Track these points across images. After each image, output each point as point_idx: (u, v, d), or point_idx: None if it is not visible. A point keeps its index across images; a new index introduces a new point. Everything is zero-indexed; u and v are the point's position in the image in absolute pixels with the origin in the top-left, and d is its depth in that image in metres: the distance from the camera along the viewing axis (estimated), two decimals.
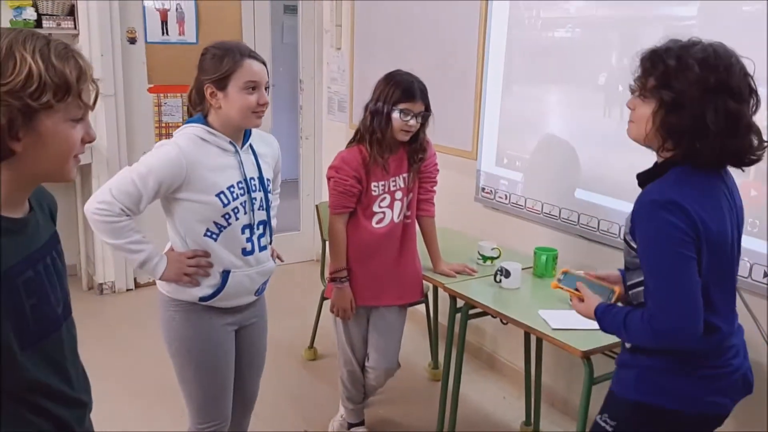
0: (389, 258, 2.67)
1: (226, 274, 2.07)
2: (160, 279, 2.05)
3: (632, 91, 1.64)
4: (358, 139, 2.61)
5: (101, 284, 4.42)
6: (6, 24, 3.95)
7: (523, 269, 2.75)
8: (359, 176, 2.55)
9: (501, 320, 2.58)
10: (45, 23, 4.03)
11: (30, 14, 4.00)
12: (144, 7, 4.25)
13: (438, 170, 2.81)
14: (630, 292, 1.68)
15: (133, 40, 4.25)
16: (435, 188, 2.80)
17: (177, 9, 4.34)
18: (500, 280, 2.70)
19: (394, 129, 2.52)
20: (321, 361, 3.62)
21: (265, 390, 3.20)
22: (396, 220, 2.65)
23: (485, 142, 3.45)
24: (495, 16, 3.31)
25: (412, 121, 2.51)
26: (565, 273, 1.87)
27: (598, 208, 2.89)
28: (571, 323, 2.26)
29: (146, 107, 4.37)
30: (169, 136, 4.60)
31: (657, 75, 1.55)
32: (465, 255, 3.03)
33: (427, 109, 2.56)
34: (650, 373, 1.64)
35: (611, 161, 2.81)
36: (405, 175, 2.64)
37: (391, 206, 2.63)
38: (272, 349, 3.62)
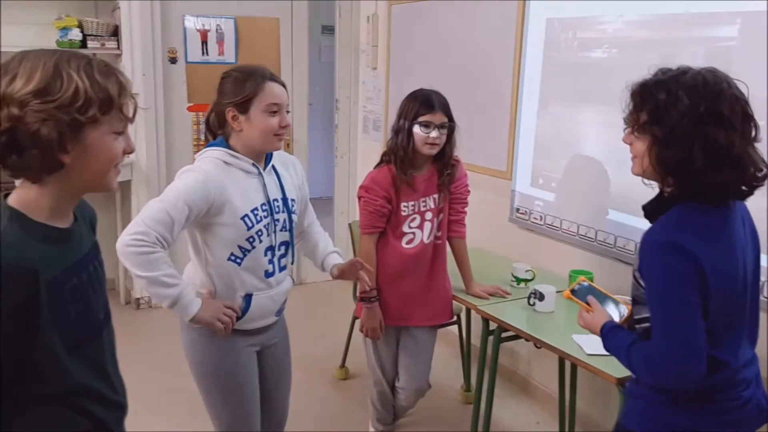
0: (419, 279, 2.66)
1: (248, 298, 2.07)
2: (191, 320, 1.98)
3: (626, 125, 1.62)
4: (386, 159, 2.61)
5: (138, 299, 4.48)
6: (52, 44, 4.07)
7: (557, 292, 2.70)
8: (389, 196, 2.55)
9: (535, 344, 2.55)
10: (90, 43, 4.15)
11: (75, 35, 4.12)
12: (185, 28, 4.34)
13: (469, 191, 2.79)
14: (637, 326, 1.64)
15: (173, 60, 4.34)
16: (466, 209, 2.79)
17: (217, 29, 4.43)
18: (534, 303, 2.66)
19: (418, 144, 2.51)
20: (352, 381, 3.61)
21: (296, 410, 3.20)
22: (426, 240, 2.64)
23: (520, 162, 3.43)
24: (531, 35, 3.29)
25: (434, 133, 2.49)
26: (580, 283, 1.85)
27: (635, 231, 2.83)
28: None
29: (185, 125, 4.45)
30: None
31: (648, 110, 1.53)
32: (498, 276, 3.00)
33: (450, 120, 2.54)
34: (657, 405, 1.60)
35: (648, 182, 2.76)
36: (435, 195, 2.63)
37: (421, 227, 2.63)
38: (303, 368, 3.64)
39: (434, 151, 2.54)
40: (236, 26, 4.47)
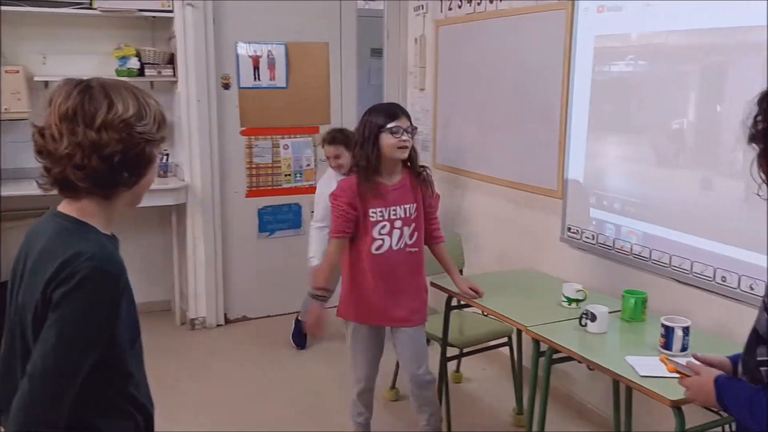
0: (388, 283, 2.75)
1: None
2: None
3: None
4: (353, 170, 2.76)
5: (193, 320, 4.58)
6: (112, 73, 4.24)
7: (610, 313, 2.65)
8: (353, 203, 2.68)
9: (587, 366, 2.50)
10: (147, 71, 4.30)
11: (134, 63, 4.28)
12: (237, 55, 4.46)
13: (439, 196, 2.94)
14: (763, 369, 1.43)
15: (227, 86, 4.46)
16: (437, 214, 2.92)
17: (268, 55, 4.53)
18: (586, 324, 2.62)
19: (389, 149, 2.64)
20: (403, 402, 3.59)
21: (347, 429, 3.21)
22: (395, 247, 2.74)
23: (571, 180, 3.39)
24: (579, 52, 3.27)
25: (405, 136, 2.65)
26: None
27: (692, 249, 2.77)
28: (661, 370, 2.15)
29: (238, 149, 4.55)
30: (258, 177, 4.78)
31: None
32: (549, 297, 2.96)
33: (412, 123, 2.71)
34: None
35: (705, 201, 2.71)
36: (407, 205, 2.75)
37: (390, 233, 2.73)
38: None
39: (405, 154, 2.69)
40: (287, 52, 4.57)
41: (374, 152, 2.65)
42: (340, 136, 3.83)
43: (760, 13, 2.40)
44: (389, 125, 2.64)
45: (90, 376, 1.26)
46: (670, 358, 1.74)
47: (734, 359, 1.61)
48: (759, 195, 1.41)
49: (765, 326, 1.43)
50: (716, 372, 1.54)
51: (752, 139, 1.39)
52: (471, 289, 2.93)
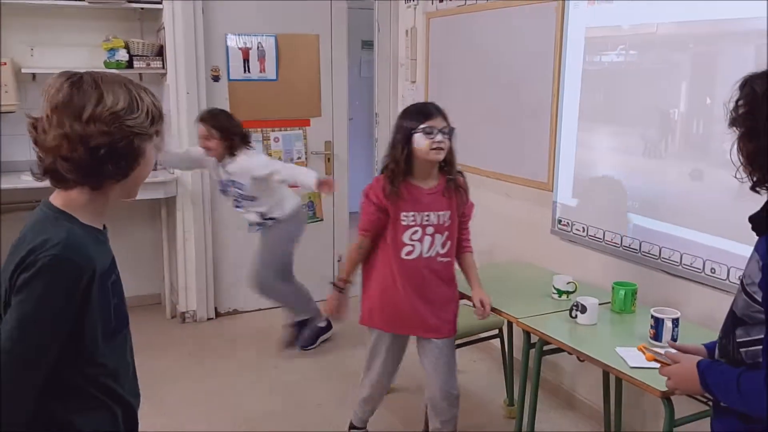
0: (416, 291, 2.65)
1: None
2: None
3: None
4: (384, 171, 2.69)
5: (183, 313, 4.56)
6: (101, 65, 4.21)
7: (600, 304, 2.66)
8: (380, 203, 2.60)
9: (578, 357, 2.51)
10: (136, 63, 4.26)
11: (122, 55, 4.24)
12: (227, 47, 4.43)
13: (473, 204, 2.81)
14: (743, 350, 1.45)
15: (216, 78, 4.43)
16: (469, 225, 2.82)
17: (258, 47, 4.51)
18: (576, 316, 2.63)
19: (423, 152, 2.52)
20: (396, 395, 3.59)
21: (340, 421, 3.22)
22: (425, 254, 2.64)
23: (562, 172, 3.40)
24: (570, 45, 3.27)
25: (439, 137, 2.50)
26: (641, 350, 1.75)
27: (680, 241, 2.78)
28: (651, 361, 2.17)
29: None
30: None
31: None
32: (539, 289, 2.97)
33: (449, 124, 2.57)
34: None
35: (695, 192, 2.72)
36: (441, 213, 2.63)
37: (421, 240, 2.62)
38: (346, 381, 3.65)
39: (441, 156, 2.54)
40: (277, 44, 4.54)
41: (404, 154, 2.53)
42: (207, 116, 3.72)
43: (751, 5, 2.41)
44: (422, 125, 2.50)
45: (60, 365, 1.28)
46: (648, 347, 1.74)
47: (710, 346, 1.63)
48: (736, 177, 1.44)
49: (741, 307, 1.45)
50: (696, 358, 1.55)
51: (733, 122, 1.43)
52: (481, 302, 2.72)
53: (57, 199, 1.36)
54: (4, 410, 1.22)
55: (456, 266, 2.78)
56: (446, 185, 2.64)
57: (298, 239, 3.99)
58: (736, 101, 1.42)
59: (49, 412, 1.31)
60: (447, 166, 2.63)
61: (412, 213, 2.60)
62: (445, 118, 2.56)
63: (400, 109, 4.85)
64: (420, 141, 2.51)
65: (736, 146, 1.43)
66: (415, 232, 2.61)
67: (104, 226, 1.41)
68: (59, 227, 1.30)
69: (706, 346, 1.65)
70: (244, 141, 3.72)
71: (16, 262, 1.26)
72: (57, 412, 1.32)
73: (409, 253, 2.63)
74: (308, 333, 4.08)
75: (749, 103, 1.39)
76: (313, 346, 4.09)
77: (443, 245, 2.66)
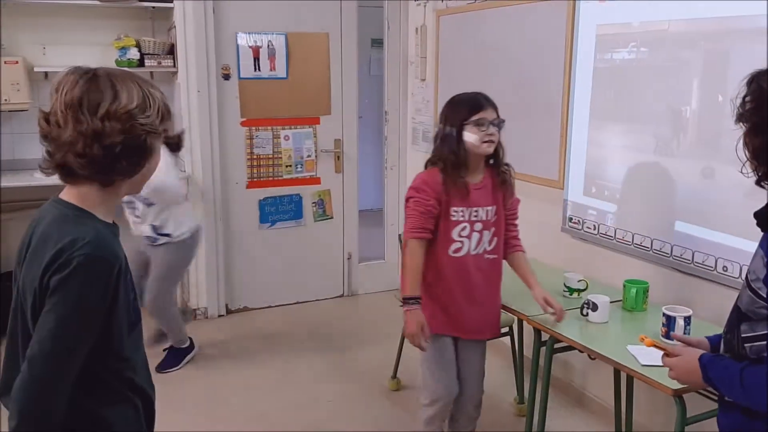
0: (464, 290, 2.57)
1: None
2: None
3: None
4: (433, 164, 2.55)
5: (194, 310, 4.58)
6: (112, 63, 4.23)
7: (611, 302, 2.66)
8: (439, 197, 2.48)
9: (589, 355, 2.50)
10: (147, 62, 4.28)
11: (134, 54, 4.26)
12: (237, 45, 4.44)
13: (519, 200, 2.72)
14: (747, 345, 1.47)
15: (227, 77, 4.44)
16: (517, 221, 2.72)
17: (268, 45, 4.51)
18: (587, 314, 2.62)
19: (473, 144, 2.44)
20: (405, 392, 3.60)
21: (349, 421, 3.23)
22: (473, 252, 2.56)
23: (572, 170, 3.39)
24: (581, 42, 3.26)
25: (492, 129, 2.44)
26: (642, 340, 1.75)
27: (693, 239, 2.76)
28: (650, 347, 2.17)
29: (239, 140, 4.54)
30: (259, 168, 4.74)
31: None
32: (551, 287, 2.94)
33: (499, 116, 2.50)
34: None
35: (706, 190, 2.70)
36: (489, 208, 2.56)
37: (469, 236, 2.54)
38: (356, 379, 3.67)
39: (491, 149, 2.47)
40: (287, 42, 4.55)
41: (460, 147, 2.44)
42: None
43: (762, 2, 2.39)
44: (474, 117, 2.42)
45: (88, 360, 1.29)
46: (646, 337, 1.75)
47: (713, 339, 1.66)
48: (742, 173, 1.47)
49: (746, 302, 1.46)
50: (698, 351, 1.57)
51: (740, 118, 1.45)
52: (546, 301, 2.61)
53: (71, 196, 1.35)
54: (43, 408, 1.24)
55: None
56: (493, 179, 2.57)
57: (191, 262, 3.86)
58: (743, 97, 1.44)
59: (82, 406, 1.32)
60: (494, 159, 2.56)
61: (461, 209, 2.51)
62: (495, 109, 2.49)
63: (410, 107, 4.91)
64: (471, 133, 2.44)
65: (742, 141, 1.45)
66: (464, 228, 2.52)
67: (113, 222, 1.42)
68: (84, 225, 1.30)
69: (709, 339, 1.68)
70: None
71: (46, 263, 1.26)
72: (87, 406, 1.34)
73: (457, 250, 2.54)
74: (172, 355, 3.83)
75: (756, 99, 1.42)
76: (178, 367, 3.80)
77: (490, 242, 2.58)
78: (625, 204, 3.11)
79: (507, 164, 2.61)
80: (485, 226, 2.57)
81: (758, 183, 1.45)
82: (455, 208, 2.51)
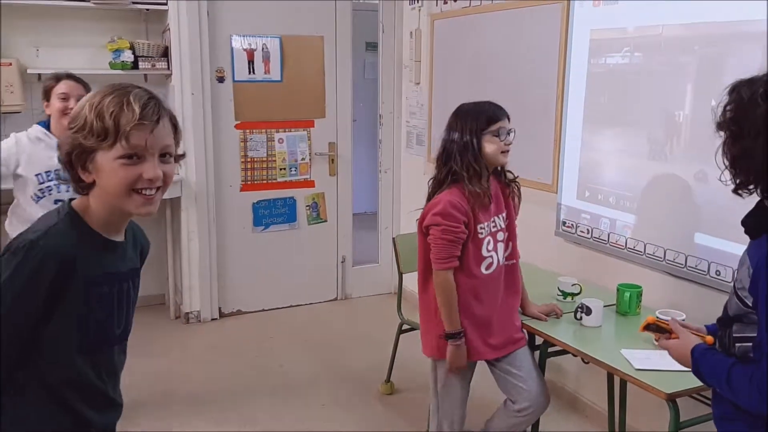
0: (495, 305, 2.50)
1: None
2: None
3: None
4: (451, 180, 2.42)
5: (188, 313, 4.56)
6: (106, 66, 4.22)
7: (605, 306, 2.66)
8: (468, 220, 2.38)
9: (582, 359, 2.50)
10: (141, 64, 4.27)
11: (127, 56, 4.25)
12: (232, 48, 4.43)
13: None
14: (737, 345, 1.52)
15: (221, 79, 4.44)
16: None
17: (263, 48, 4.51)
18: (581, 318, 2.63)
19: (492, 155, 2.39)
20: (398, 396, 3.60)
21: (342, 424, 3.22)
22: (501, 262, 2.51)
23: (566, 174, 3.39)
24: (575, 47, 3.27)
25: (511, 137, 2.42)
26: (648, 324, 1.77)
27: (685, 243, 2.77)
28: (655, 364, 2.17)
29: (233, 143, 4.53)
30: (253, 171, 4.73)
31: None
32: (544, 291, 2.96)
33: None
34: (759, 430, 1.47)
35: (700, 194, 2.71)
36: (502, 215, 2.52)
37: (495, 249, 2.48)
38: (349, 383, 3.66)
39: (508, 159, 2.45)
40: (282, 45, 4.55)
41: (481, 158, 2.37)
42: (75, 76, 3.00)
43: (757, 7, 2.40)
44: (492, 127, 2.37)
45: (25, 363, 1.33)
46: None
47: (710, 328, 1.70)
48: (721, 180, 1.51)
49: (734, 309, 1.51)
50: (695, 340, 1.62)
51: (719, 126, 1.50)
52: (541, 313, 2.65)
53: (75, 200, 1.42)
54: None
55: None
56: (498, 185, 2.52)
57: None
58: (725, 106, 1.48)
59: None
60: (501, 167, 2.52)
61: (485, 223, 2.43)
62: (509, 118, 2.45)
63: (404, 110, 4.92)
64: (490, 143, 2.38)
65: (721, 150, 1.50)
66: (489, 241, 2.45)
67: (112, 239, 1.42)
68: (51, 220, 1.36)
69: (708, 327, 1.72)
70: None
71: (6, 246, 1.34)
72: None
73: (489, 266, 2.45)
74: None
75: (735, 109, 1.46)
76: None
77: (506, 247, 2.54)
78: (618, 208, 3.12)
79: (516, 178, 2.58)
80: (503, 233, 2.53)
81: (735, 191, 1.49)
82: (481, 225, 2.43)
